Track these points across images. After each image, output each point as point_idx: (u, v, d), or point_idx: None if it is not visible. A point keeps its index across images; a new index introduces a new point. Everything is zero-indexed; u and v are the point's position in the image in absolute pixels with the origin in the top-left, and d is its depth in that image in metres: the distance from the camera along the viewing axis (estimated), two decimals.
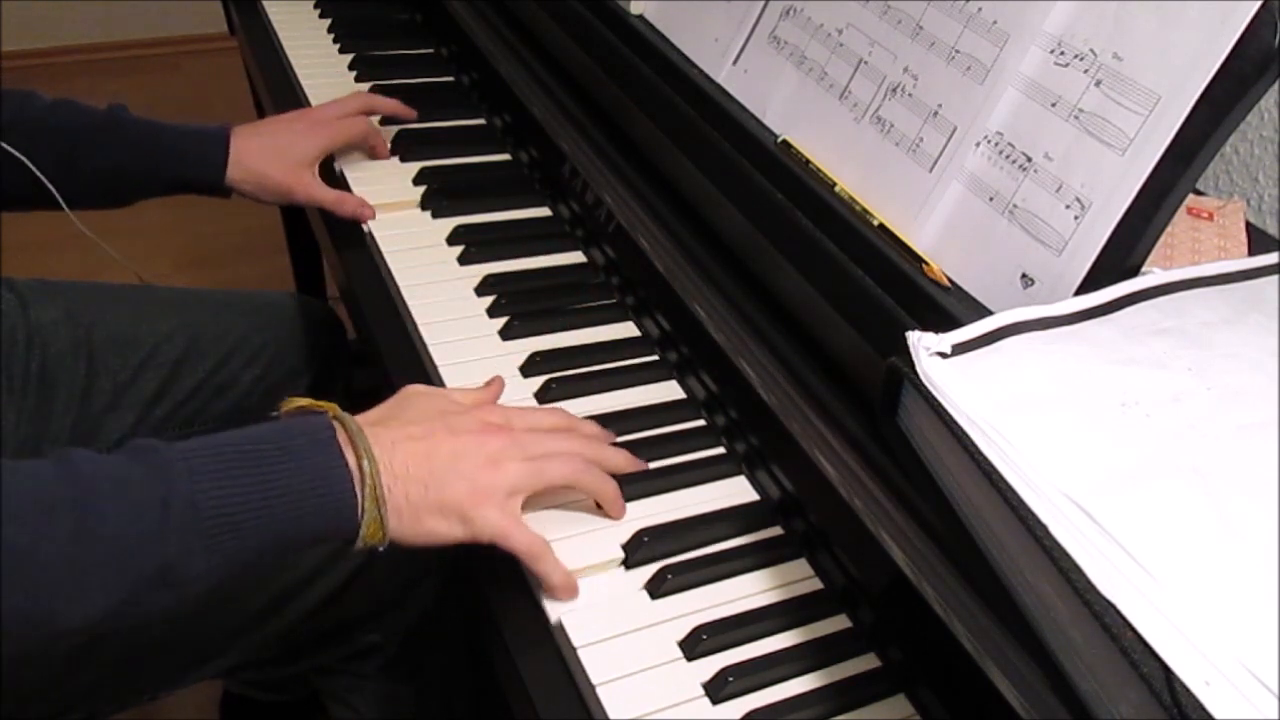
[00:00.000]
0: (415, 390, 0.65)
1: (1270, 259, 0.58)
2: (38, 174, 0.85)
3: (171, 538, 0.52)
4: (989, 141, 0.60)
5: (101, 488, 0.51)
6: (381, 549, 0.59)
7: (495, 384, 0.70)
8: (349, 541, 0.57)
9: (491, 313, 0.81)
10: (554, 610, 0.59)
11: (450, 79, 1.15)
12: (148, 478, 0.52)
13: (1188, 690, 0.36)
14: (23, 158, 0.84)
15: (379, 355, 0.79)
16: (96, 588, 0.51)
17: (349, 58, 1.15)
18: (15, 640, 0.50)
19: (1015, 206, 0.58)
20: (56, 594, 0.50)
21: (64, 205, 0.87)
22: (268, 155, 0.91)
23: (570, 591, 0.60)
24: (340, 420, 0.59)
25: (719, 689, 0.55)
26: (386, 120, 1.02)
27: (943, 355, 0.48)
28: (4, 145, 0.83)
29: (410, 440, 0.59)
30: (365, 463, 0.56)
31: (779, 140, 0.71)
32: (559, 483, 0.62)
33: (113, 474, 0.52)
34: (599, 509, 0.64)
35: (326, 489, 0.56)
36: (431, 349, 0.76)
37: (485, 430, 0.61)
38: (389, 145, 0.99)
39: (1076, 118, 0.56)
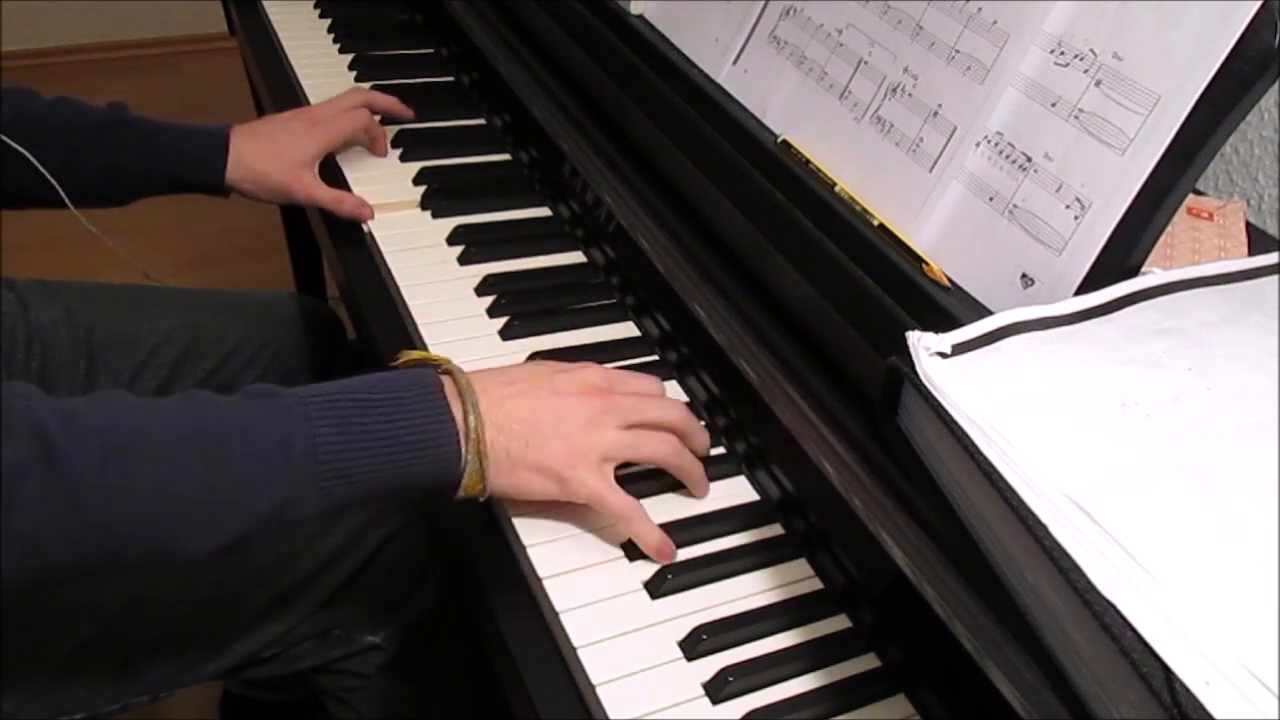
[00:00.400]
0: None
1: (1270, 259, 0.58)
2: (43, 171, 0.85)
3: (291, 480, 0.55)
4: (989, 141, 0.60)
5: (228, 429, 0.55)
6: (481, 499, 0.61)
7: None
8: (451, 490, 0.60)
9: (491, 313, 0.81)
10: (554, 610, 0.59)
11: (450, 79, 1.15)
12: (269, 420, 0.56)
13: (1188, 690, 0.36)
14: (28, 154, 0.84)
15: (379, 355, 0.79)
16: (218, 523, 0.54)
17: (349, 58, 1.15)
18: (138, 564, 0.55)
19: (1015, 206, 0.58)
20: (182, 527, 0.54)
21: (68, 202, 0.87)
22: (267, 155, 0.91)
23: (665, 553, 0.61)
24: (451, 374, 0.61)
25: (719, 689, 0.55)
26: (386, 120, 1.02)
27: (943, 355, 0.48)
28: (9, 141, 0.83)
29: (516, 396, 0.61)
30: (471, 418, 0.59)
31: (779, 140, 0.71)
32: (652, 460, 0.65)
33: (236, 415, 0.56)
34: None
35: (434, 441, 0.58)
36: (432, 349, 0.76)
37: (588, 392, 0.63)
38: (389, 145, 0.99)
39: (1076, 118, 0.56)
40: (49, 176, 0.85)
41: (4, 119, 0.85)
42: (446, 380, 0.61)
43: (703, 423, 0.72)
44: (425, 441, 0.58)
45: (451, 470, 0.59)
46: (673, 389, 0.76)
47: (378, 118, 1.01)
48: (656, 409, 0.65)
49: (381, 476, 0.57)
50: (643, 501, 0.65)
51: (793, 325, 0.66)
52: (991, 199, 0.59)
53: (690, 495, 0.66)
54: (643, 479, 0.66)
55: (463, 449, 0.59)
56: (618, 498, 0.61)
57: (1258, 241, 0.73)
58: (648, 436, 0.64)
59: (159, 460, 0.53)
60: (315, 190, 0.91)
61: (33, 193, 0.87)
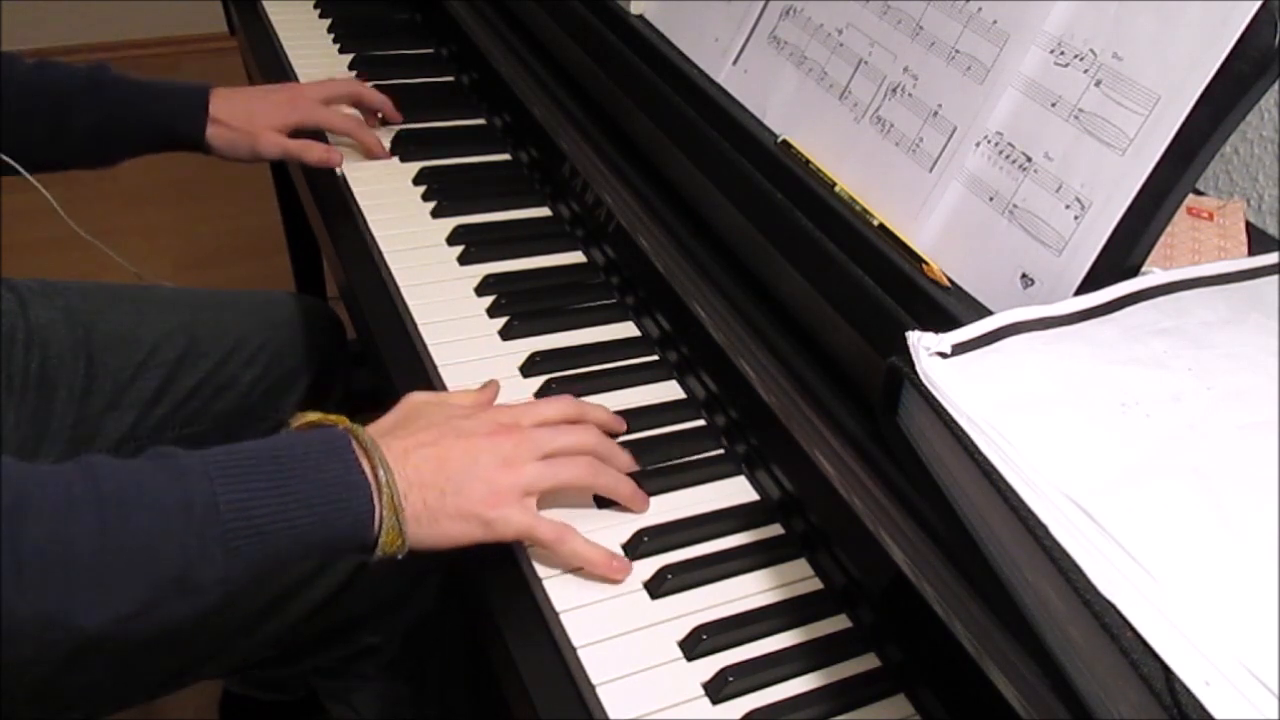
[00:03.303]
0: (418, 398, 0.65)
1: (1270, 259, 0.58)
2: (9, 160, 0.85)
3: (192, 542, 0.52)
4: (989, 141, 0.60)
5: (124, 491, 0.52)
6: (400, 557, 0.59)
7: (491, 387, 0.70)
8: (368, 550, 0.58)
9: (491, 313, 0.81)
10: (554, 610, 0.59)
11: (450, 79, 1.15)
12: (169, 482, 0.53)
13: (1188, 690, 0.36)
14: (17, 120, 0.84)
15: (379, 355, 0.79)
16: (117, 591, 0.51)
17: (349, 58, 1.15)
18: (33, 641, 0.50)
19: (1015, 206, 0.58)
20: (77, 596, 0.50)
21: (23, 171, 0.88)
22: (238, 115, 0.93)
23: (615, 569, 0.60)
24: (353, 432, 0.59)
25: (719, 689, 0.55)
26: (385, 120, 1.03)
27: (943, 355, 0.48)
28: None
29: (422, 447, 0.59)
30: (381, 472, 0.57)
31: (779, 140, 0.71)
32: (573, 484, 0.63)
33: (134, 478, 0.52)
34: (598, 506, 0.65)
35: (344, 497, 0.56)
36: (431, 349, 0.76)
37: (496, 431, 0.62)
38: (389, 146, 0.99)
39: (1076, 118, 0.56)
40: (9, 160, 0.86)
41: None
42: (350, 437, 0.58)
43: (702, 423, 0.72)
44: (336, 498, 0.55)
45: (366, 527, 0.56)
46: (673, 389, 0.76)
47: (377, 117, 1.01)
48: (568, 436, 0.64)
49: (290, 535, 0.54)
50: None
51: (793, 325, 0.66)
52: (991, 199, 0.59)
53: (683, 498, 0.66)
54: (638, 480, 0.66)
55: (376, 505, 0.56)
56: (546, 526, 0.60)
57: (1258, 241, 0.73)
58: (564, 462, 0.62)
59: (50, 526, 0.49)
60: (281, 140, 0.93)
61: (16, 157, 0.87)
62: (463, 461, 0.59)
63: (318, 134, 0.97)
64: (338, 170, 0.95)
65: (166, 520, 0.51)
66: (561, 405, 0.67)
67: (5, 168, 0.88)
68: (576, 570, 0.61)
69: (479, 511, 0.59)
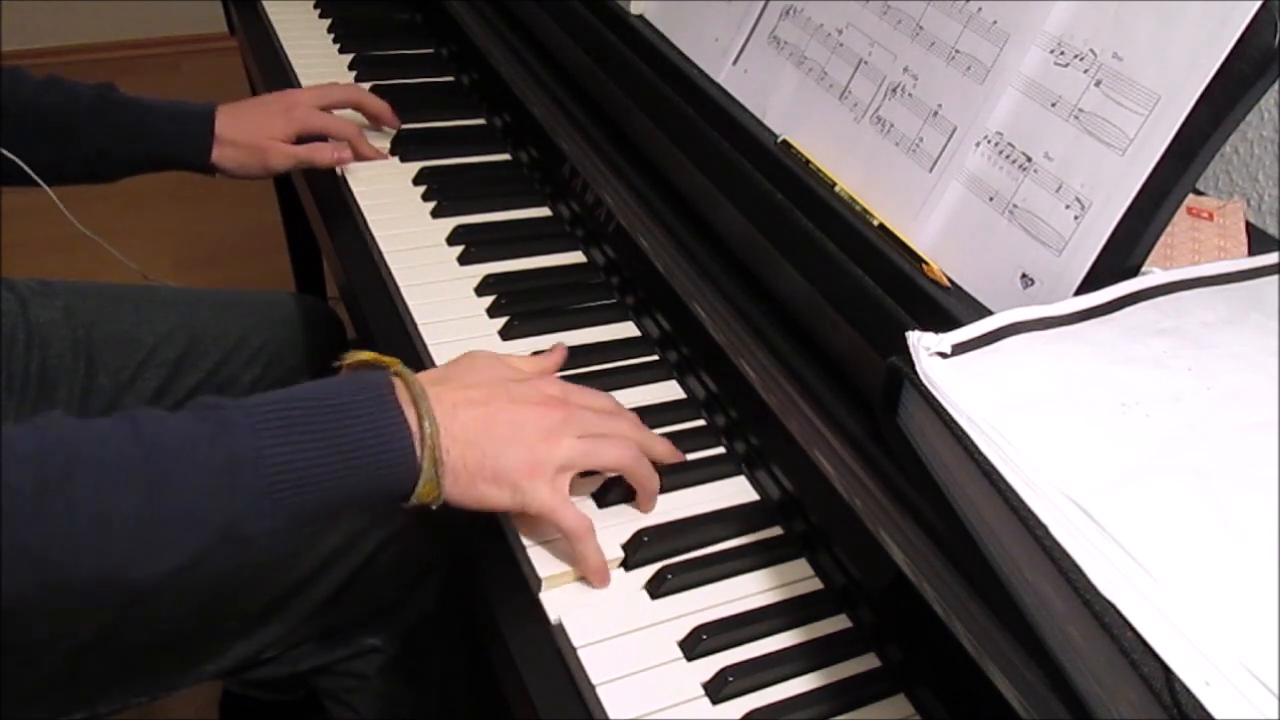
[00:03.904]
0: (478, 353, 0.66)
1: (1270, 259, 0.58)
2: (25, 169, 0.85)
3: (238, 494, 0.53)
4: (989, 141, 0.60)
5: (170, 446, 0.52)
6: (434, 508, 0.59)
7: (557, 352, 0.71)
8: (404, 498, 0.58)
9: (491, 313, 0.81)
10: (554, 610, 0.59)
11: (450, 79, 1.15)
12: (213, 434, 0.53)
13: (1188, 690, 0.36)
14: (12, 156, 0.84)
15: None
16: (167, 545, 0.52)
17: (349, 58, 1.15)
18: (92, 598, 0.52)
19: (1015, 206, 0.58)
20: (129, 552, 0.51)
21: (42, 183, 0.88)
22: (243, 134, 0.92)
23: (601, 578, 0.60)
24: (403, 377, 0.59)
25: (719, 689, 0.55)
26: (383, 126, 1.02)
27: (943, 355, 0.48)
28: None
29: (471, 404, 0.60)
30: (425, 423, 0.57)
31: (779, 140, 0.71)
32: (610, 466, 0.63)
33: (178, 431, 0.53)
34: (598, 506, 0.65)
35: (387, 447, 0.56)
36: (431, 349, 0.76)
37: (545, 402, 0.62)
38: (389, 146, 0.99)
39: (1076, 118, 0.56)
40: (29, 170, 0.86)
41: None
42: (398, 384, 0.58)
43: (702, 423, 0.73)
44: (379, 448, 0.56)
45: (407, 476, 0.57)
46: (673, 389, 0.76)
47: (373, 124, 1.01)
48: (613, 422, 0.64)
49: (334, 485, 0.55)
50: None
51: (793, 325, 0.66)
52: (991, 199, 0.59)
53: (683, 498, 0.66)
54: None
55: (418, 455, 0.57)
56: (572, 513, 0.60)
57: (1258, 241, 0.73)
58: (605, 443, 0.62)
59: (99, 483, 0.50)
60: (289, 149, 0.93)
61: (18, 172, 0.87)
62: (508, 426, 0.60)
63: (319, 135, 0.97)
64: (338, 170, 0.95)
65: (212, 474, 0.52)
66: (607, 398, 0.67)
67: (18, 177, 0.87)
68: (576, 569, 0.61)
69: (514, 478, 0.59)
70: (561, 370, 0.75)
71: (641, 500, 0.65)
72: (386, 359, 0.61)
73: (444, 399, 0.59)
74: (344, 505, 0.57)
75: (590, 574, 0.60)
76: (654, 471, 0.64)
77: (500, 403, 0.60)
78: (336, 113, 0.98)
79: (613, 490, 0.65)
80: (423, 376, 0.60)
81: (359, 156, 0.96)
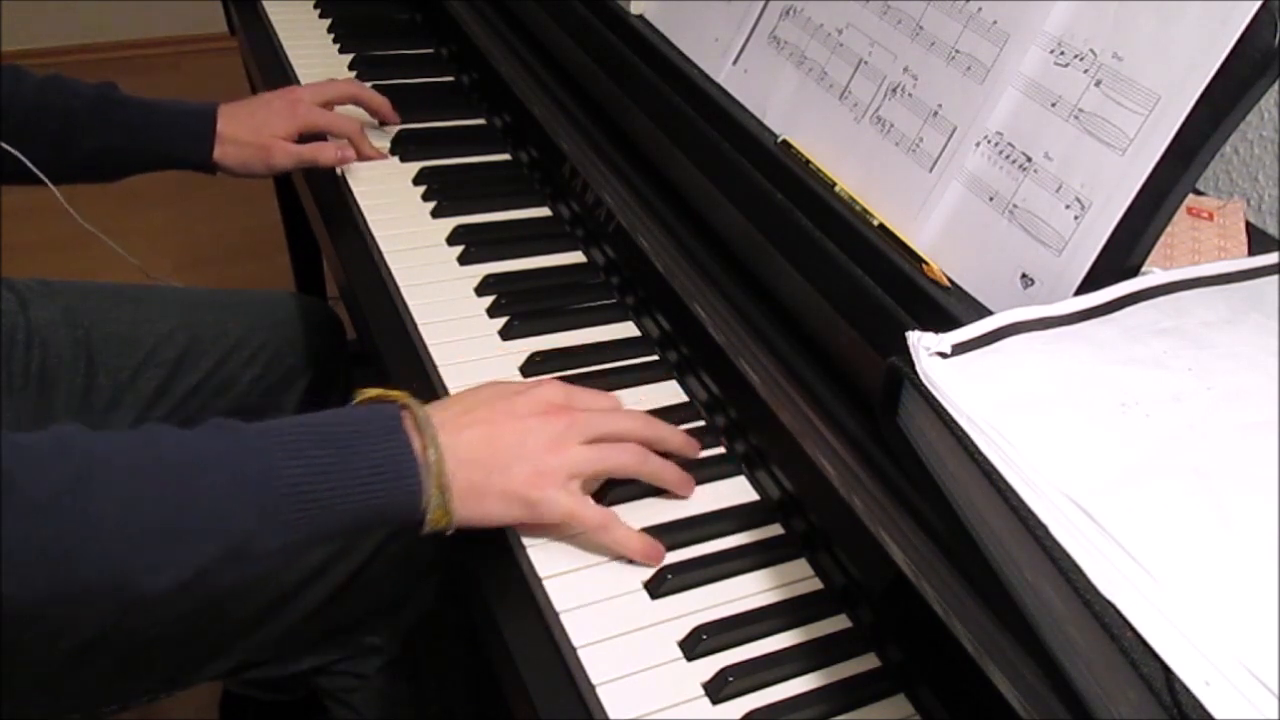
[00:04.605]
0: (482, 384, 0.66)
1: (1270, 259, 0.58)
2: (28, 164, 0.85)
3: (249, 514, 0.53)
4: (989, 141, 0.60)
5: (185, 461, 0.53)
6: (448, 533, 0.60)
7: None
8: (417, 525, 0.59)
9: (491, 313, 0.81)
10: (554, 610, 0.59)
11: (450, 79, 1.15)
12: (229, 452, 0.54)
13: (1188, 690, 0.36)
14: (15, 152, 0.84)
15: (379, 355, 0.79)
16: (174, 559, 0.52)
17: (349, 58, 1.15)
18: (97, 604, 0.54)
19: (1015, 206, 0.58)
20: (136, 563, 0.52)
21: (47, 180, 0.87)
22: (246, 131, 0.92)
23: (653, 555, 0.61)
24: (409, 407, 0.60)
25: (719, 689, 0.55)
26: (383, 122, 1.02)
27: (943, 355, 0.48)
28: None
29: (474, 425, 0.60)
30: (430, 451, 0.58)
31: (779, 140, 0.71)
32: (620, 471, 0.63)
33: (196, 447, 0.54)
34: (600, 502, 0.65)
35: (395, 475, 0.57)
36: (431, 349, 0.76)
37: (548, 411, 0.62)
38: (389, 146, 0.99)
39: (1076, 118, 0.56)
40: (32, 167, 0.86)
41: None
42: (405, 415, 0.60)
43: (701, 423, 0.72)
44: (387, 476, 0.57)
45: (414, 505, 0.58)
46: (673, 389, 0.76)
47: (375, 121, 1.01)
48: (619, 422, 0.64)
49: (343, 511, 0.56)
50: (642, 501, 0.65)
51: (793, 325, 0.66)
52: (991, 199, 0.59)
53: (690, 499, 0.66)
54: (632, 482, 0.66)
55: (425, 483, 0.58)
56: (591, 511, 0.61)
57: (1258, 241, 0.73)
58: (613, 448, 0.63)
59: (118, 492, 0.51)
60: (292, 149, 0.93)
61: (20, 171, 0.87)
62: (512, 441, 0.60)
63: (320, 134, 0.97)
64: (338, 170, 0.95)
65: (227, 492, 0.53)
66: (611, 398, 0.68)
67: (20, 175, 0.87)
68: (577, 569, 0.61)
69: (523, 492, 0.60)
70: (561, 371, 0.75)
71: (674, 491, 0.65)
72: (395, 393, 0.62)
73: (448, 424, 0.60)
74: (351, 530, 0.58)
75: (637, 555, 0.61)
76: (667, 465, 0.65)
77: (502, 419, 0.61)
78: (337, 109, 0.98)
79: (611, 491, 0.65)
80: (429, 407, 0.61)
81: (361, 155, 0.96)
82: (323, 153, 0.93)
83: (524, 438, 0.61)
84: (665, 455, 0.66)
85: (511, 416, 0.61)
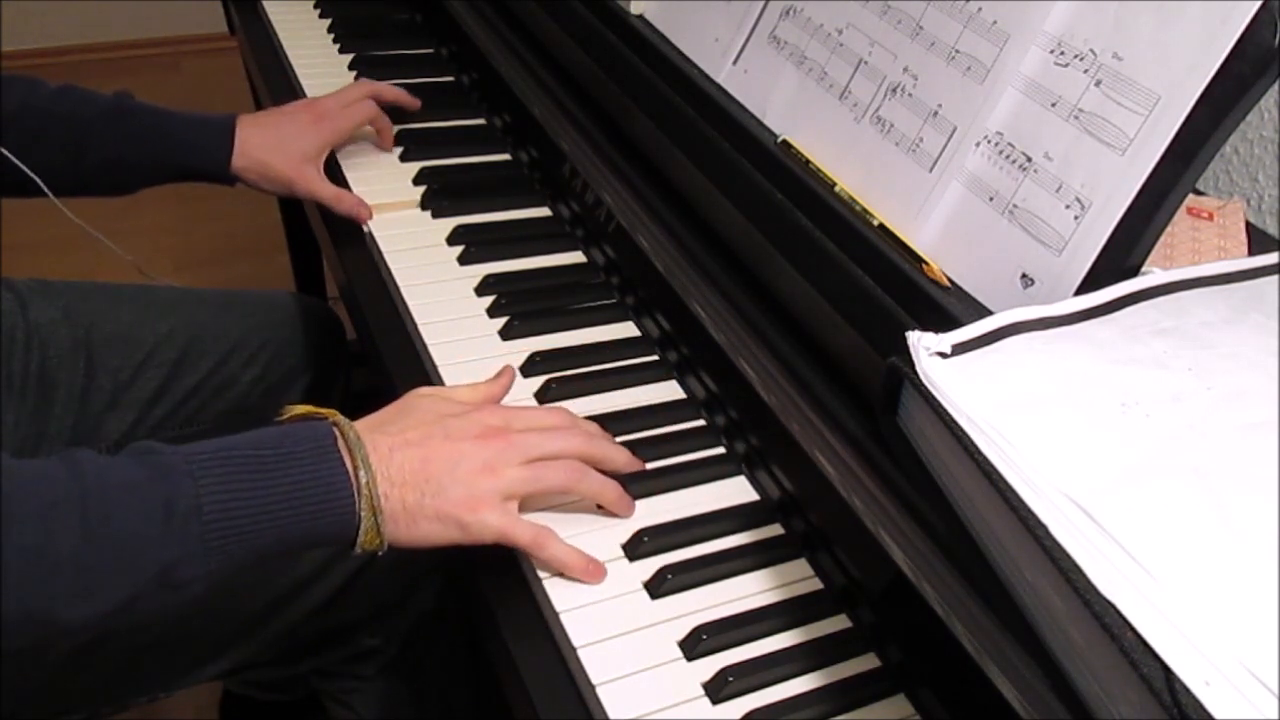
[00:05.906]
0: (418, 394, 0.65)
1: (1270, 259, 0.58)
2: (29, 173, 0.85)
3: (174, 540, 0.52)
4: (989, 141, 0.60)
5: (107, 489, 0.52)
6: (380, 554, 0.59)
7: (505, 375, 0.70)
8: (349, 546, 0.58)
9: (491, 313, 0.81)
10: (553, 610, 0.59)
11: (450, 79, 1.15)
12: (151, 480, 0.53)
13: (1188, 690, 0.36)
14: (17, 161, 0.84)
15: (379, 355, 0.79)
16: (99, 588, 0.51)
17: (349, 58, 1.15)
18: (14, 638, 0.51)
19: (1015, 206, 0.58)
20: (59, 594, 0.50)
21: (52, 195, 0.87)
22: (272, 146, 0.91)
23: (591, 572, 0.60)
24: (339, 427, 0.59)
25: (719, 689, 0.55)
26: (391, 113, 1.02)
27: (943, 355, 0.48)
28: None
29: (407, 446, 0.59)
30: (362, 473, 0.57)
31: (779, 140, 0.71)
32: (556, 489, 0.63)
33: (117, 475, 0.53)
34: (600, 509, 0.65)
35: (325, 497, 0.56)
36: (431, 349, 0.76)
37: (483, 434, 0.62)
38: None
39: (1076, 118, 0.56)
40: (34, 177, 0.85)
41: (9, 109, 0.85)
42: (337, 434, 0.59)
43: (702, 423, 0.72)
44: (317, 497, 0.56)
45: (346, 526, 0.57)
46: (673, 389, 0.76)
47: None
48: (557, 441, 0.63)
49: (272, 534, 0.55)
50: (642, 501, 0.65)
51: (793, 325, 0.66)
52: (991, 199, 0.59)
53: (683, 498, 0.66)
54: (638, 479, 0.66)
55: (356, 504, 0.57)
56: (525, 529, 0.60)
57: (1258, 241, 0.73)
58: (548, 467, 0.62)
59: (34, 521, 0.49)
60: (316, 185, 0.91)
61: (32, 184, 0.87)
62: (445, 463, 0.60)
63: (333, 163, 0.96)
64: (339, 171, 0.95)
65: (149, 520, 0.52)
66: (556, 414, 0.66)
67: (31, 189, 0.87)
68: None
69: (456, 514, 0.59)
70: (561, 371, 0.75)
71: (612, 509, 0.64)
72: (325, 410, 0.61)
73: (380, 445, 0.59)
74: (280, 553, 0.57)
75: (576, 574, 0.60)
76: (606, 481, 0.64)
77: (436, 441, 0.60)
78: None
79: None
80: (360, 424, 0.60)
81: (382, 137, 0.98)
82: (342, 201, 0.90)
83: (458, 460, 0.60)
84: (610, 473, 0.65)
85: (446, 438, 0.61)
